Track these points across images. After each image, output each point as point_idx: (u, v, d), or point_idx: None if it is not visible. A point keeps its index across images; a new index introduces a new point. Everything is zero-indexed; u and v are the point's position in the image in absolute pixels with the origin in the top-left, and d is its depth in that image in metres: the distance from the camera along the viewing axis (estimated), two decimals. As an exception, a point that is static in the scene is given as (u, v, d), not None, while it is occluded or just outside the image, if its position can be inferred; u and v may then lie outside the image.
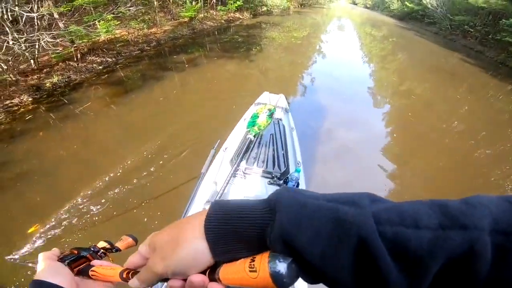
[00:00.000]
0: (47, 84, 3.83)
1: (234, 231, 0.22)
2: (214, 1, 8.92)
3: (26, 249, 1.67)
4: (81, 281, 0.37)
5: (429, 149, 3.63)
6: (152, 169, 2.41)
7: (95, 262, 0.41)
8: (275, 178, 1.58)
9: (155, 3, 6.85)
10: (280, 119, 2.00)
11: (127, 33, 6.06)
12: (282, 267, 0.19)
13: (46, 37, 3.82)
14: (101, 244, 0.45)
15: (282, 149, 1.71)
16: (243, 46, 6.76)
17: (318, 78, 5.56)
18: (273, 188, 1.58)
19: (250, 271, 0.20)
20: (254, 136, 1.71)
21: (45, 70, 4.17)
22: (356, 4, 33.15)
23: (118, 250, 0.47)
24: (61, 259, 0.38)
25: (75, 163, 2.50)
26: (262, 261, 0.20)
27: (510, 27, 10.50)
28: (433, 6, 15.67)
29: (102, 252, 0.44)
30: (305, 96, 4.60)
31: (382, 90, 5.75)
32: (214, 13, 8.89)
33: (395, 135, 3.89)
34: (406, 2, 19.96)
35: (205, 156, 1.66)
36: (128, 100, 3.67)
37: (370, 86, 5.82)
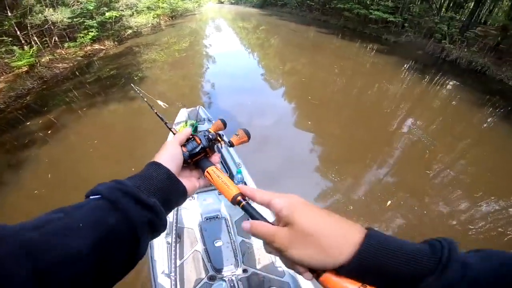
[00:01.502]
0: None
1: (381, 267, 0.24)
2: (57, 39, 7.87)
3: None
4: (182, 169, 0.42)
5: (330, 108, 4.73)
6: None
7: (214, 158, 0.45)
8: (223, 186, 1.77)
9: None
10: (206, 130, 2.16)
11: None
12: None
13: None
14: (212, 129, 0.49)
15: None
16: (118, 79, 6.30)
17: (216, 80, 6.05)
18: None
19: None
20: (187, 157, 1.82)
21: None
22: (222, 3, 36.62)
23: (231, 145, 0.50)
24: (190, 140, 0.45)
25: None
26: None
27: (336, -5, 14.36)
28: (278, -12, 19.29)
29: (213, 143, 0.47)
30: (212, 103, 4.94)
31: (272, 74, 6.85)
32: (63, 52, 7.86)
33: (299, 108, 4.81)
34: (260, -10, 23.83)
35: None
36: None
37: (262, 73, 6.84)
